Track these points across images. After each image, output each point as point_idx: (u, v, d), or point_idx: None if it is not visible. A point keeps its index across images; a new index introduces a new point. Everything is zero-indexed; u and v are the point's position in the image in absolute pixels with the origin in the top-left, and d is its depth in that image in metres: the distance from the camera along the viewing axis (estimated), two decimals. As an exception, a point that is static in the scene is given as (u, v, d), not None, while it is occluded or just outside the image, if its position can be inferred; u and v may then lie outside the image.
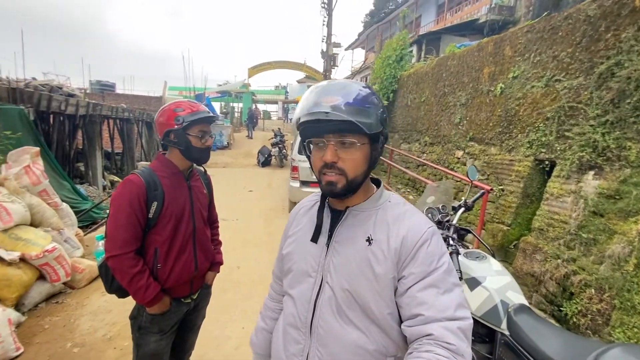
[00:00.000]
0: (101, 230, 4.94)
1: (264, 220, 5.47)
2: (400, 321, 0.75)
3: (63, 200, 3.81)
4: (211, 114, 1.44)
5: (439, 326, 0.67)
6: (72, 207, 3.92)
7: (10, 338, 2.12)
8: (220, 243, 1.72)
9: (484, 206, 3.47)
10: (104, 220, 5.51)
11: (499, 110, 4.68)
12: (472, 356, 1.60)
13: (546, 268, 3.28)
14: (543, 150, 3.79)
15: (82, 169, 8.00)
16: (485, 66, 5.09)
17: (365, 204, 0.82)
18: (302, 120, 0.75)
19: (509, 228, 4.02)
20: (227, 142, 13.93)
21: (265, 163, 10.69)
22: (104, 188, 7.95)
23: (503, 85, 4.60)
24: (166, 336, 1.43)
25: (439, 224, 1.88)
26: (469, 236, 1.91)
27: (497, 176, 4.47)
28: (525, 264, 3.55)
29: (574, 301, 2.90)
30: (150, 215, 1.33)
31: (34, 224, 2.90)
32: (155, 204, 1.33)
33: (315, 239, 0.83)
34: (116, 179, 9.06)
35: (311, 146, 0.80)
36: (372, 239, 0.77)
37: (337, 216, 0.82)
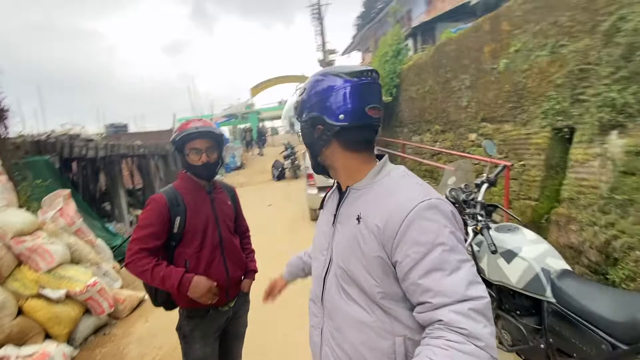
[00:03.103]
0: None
1: (289, 231, 5.52)
2: (406, 304, 0.74)
3: (96, 238, 3.97)
4: (199, 130, 1.39)
5: (449, 310, 0.63)
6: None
7: (67, 371, 2.22)
8: (253, 251, 1.77)
9: (507, 183, 3.40)
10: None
11: (507, 86, 4.61)
12: (520, 328, 1.56)
13: (584, 237, 3.16)
14: (559, 118, 3.70)
15: (108, 208, 8.34)
16: (485, 45, 5.04)
17: (361, 182, 0.83)
18: None
19: (537, 203, 3.90)
20: (241, 163, 14.19)
21: (280, 176, 10.82)
22: (131, 223, 8.26)
23: (506, 61, 4.54)
24: (209, 342, 1.48)
25: (465, 202, 1.87)
26: (496, 215, 1.89)
27: (515, 152, 4.38)
28: (560, 236, 3.43)
29: (620, 266, 2.78)
30: (175, 230, 1.40)
31: (73, 261, 3.04)
32: (178, 218, 1.40)
33: (321, 207, 0.96)
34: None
35: None
36: (360, 217, 0.77)
37: (342, 197, 0.86)
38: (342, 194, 0.87)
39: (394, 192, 0.76)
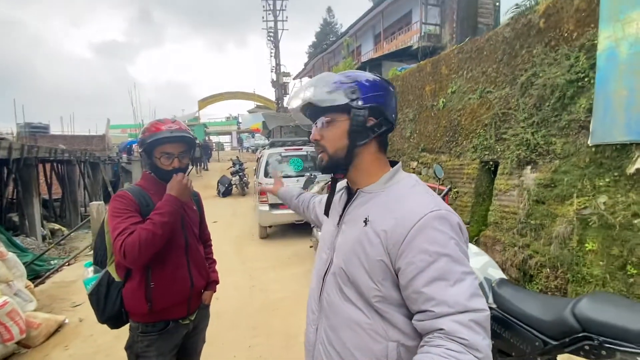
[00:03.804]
0: (74, 270, 4.42)
1: (235, 249, 5.31)
2: (402, 309, 0.74)
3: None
4: (174, 135, 1.33)
5: (450, 320, 0.64)
6: (14, 259, 3.47)
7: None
8: (214, 262, 1.71)
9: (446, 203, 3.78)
10: (48, 273, 4.96)
11: (444, 121, 5.20)
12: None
13: (506, 257, 3.62)
14: (486, 152, 4.28)
15: (16, 219, 7.11)
16: (427, 84, 5.68)
17: (373, 185, 0.83)
18: (293, 113, 0.90)
19: (468, 225, 4.38)
20: (182, 177, 13.37)
21: (227, 193, 10.41)
22: (44, 238, 7.11)
23: (444, 100, 5.16)
24: None
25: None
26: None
27: (450, 180, 4.90)
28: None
29: (535, 282, 3.23)
30: None
31: (-23, 278, 2.54)
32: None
33: (326, 212, 0.95)
34: (57, 226, 8.16)
35: None
36: (368, 220, 0.77)
37: (351, 198, 0.86)
38: (350, 195, 0.88)
39: (405, 199, 0.77)
